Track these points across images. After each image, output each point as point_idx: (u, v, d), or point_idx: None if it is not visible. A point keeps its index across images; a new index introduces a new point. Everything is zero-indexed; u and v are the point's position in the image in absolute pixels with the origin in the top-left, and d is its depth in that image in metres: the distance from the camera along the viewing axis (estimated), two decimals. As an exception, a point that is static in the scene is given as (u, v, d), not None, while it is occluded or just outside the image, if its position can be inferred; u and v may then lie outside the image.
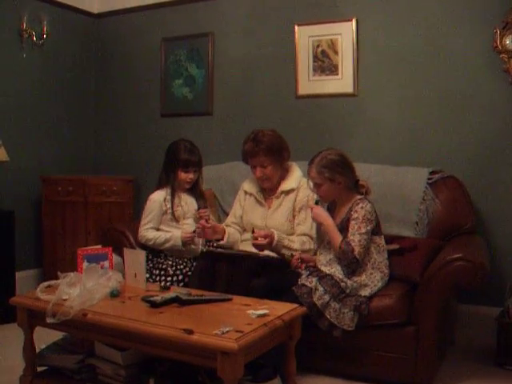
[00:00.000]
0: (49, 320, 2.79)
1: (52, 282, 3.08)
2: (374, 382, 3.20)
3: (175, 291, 2.98)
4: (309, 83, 4.63)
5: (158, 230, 3.82)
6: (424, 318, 3.09)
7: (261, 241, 3.48)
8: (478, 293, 3.54)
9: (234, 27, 4.98)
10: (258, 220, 3.76)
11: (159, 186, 3.90)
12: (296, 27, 4.62)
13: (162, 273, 3.64)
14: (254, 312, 2.65)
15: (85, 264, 3.16)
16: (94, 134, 5.78)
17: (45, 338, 3.19)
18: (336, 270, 3.19)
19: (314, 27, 4.57)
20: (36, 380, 3.03)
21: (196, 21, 5.15)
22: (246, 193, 3.90)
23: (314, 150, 3.38)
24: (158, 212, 3.82)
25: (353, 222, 3.20)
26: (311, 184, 3.39)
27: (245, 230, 3.84)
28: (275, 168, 3.70)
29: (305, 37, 4.60)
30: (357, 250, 3.14)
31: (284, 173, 3.78)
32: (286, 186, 3.74)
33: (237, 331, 2.41)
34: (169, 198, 3.83)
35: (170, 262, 3.70)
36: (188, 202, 3.89)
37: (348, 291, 3.12)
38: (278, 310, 2.74)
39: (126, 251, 3.32)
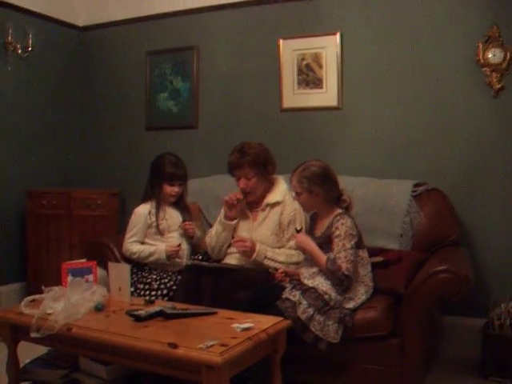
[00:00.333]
0: (33, 334, 2.77)
1: (36, 296, 3.07)
2: (359, 395, 3.20)
3: (160, 305, 2.98)
4: (293, 96, 4.65)
5: (142, 243, 3.82)
6: (409, 330, 3.09)
7: (240, 243, 3.57)
8: (463, 304, 3.54)
9: (218, 41, 5.00)
10: (243, 232, 3.76)
11: (144, 200, 3.90)
12: (281, 41, 4.64)
13: (147, 287, 3.62)
14: (238, 326, 2.64)
15: (69, 278, 3.16)
16: (78, 147, 5.75)
17: (29, 352, 3.17)
18: (319, 283, 3.18)
19: (298, 41, 4.59)
20: (20, 395, 3.01)
21: (181, 34, 5.17)
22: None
23: (299, 163, 3.39)
24: (142, 225, 3.82)
25: (336, 240, 3.19)
26: (293, 193, 3.42)
27: (230, 245, 3.83)
28: (259, 181, 3.71)
29: (289, 50, 4.63)
30: (344, 266, 3.12)
31: (269, 186, 3.79)
32: (270, 198, 3.75)
33: (221, 345, 2.40)
34: (154, 211, 3.83)
35: (155, 276, 3.68)
36: (173, 216, 3.88)
37: (332, 303, 3.11)
38: (263, 323, 2.73)
39: (111, 265, 3.31)
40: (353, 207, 3.35)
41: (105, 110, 5.67)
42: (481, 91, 4.00)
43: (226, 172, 3.84)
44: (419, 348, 3.13)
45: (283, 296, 3.20)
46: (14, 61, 5.05)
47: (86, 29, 5.71)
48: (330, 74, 4.48)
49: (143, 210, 3.84)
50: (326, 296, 3.12)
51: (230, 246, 3.80)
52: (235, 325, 2.66)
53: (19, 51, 5.03)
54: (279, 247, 3.67)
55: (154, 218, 3.82)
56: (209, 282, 3.45)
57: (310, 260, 3.32)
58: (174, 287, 3.61)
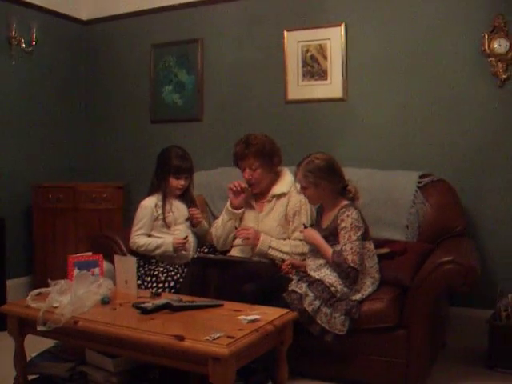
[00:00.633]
0: (39, 328, 2.78)
1: (43, 290, 3.07)
2: (365, 386, 3.21)
3: (166, 298, 2.98)
4: (298, 88, 4.64)
5: (149, 236, 3.82)
6: (415, 322, 3.09)
7: (243, 231, 3.59)
8: (469, 295, 3.55)
9: (223, 33, 4.99)
10: (250, 223, 3.75)
11: (150, 193, 3.90)
12: (285, 32, 4.64)
13: (154, 279, 3.62)
14: (245, 317, 2.65)
15: (75, 271, 3.16)
16: (83, 141, 5.76)
17: (36, 345, 3.18)
18: (326, 275, 3.18)
19: (302, 32, 4.58)
20: (27, 388, 3.02)
21: (185, 27, 5.16)
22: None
23: (304, 155, 3.38)
24: (149, 218, 3.82)
25: (342, 232, 3.19)
26: (298, 186, 3.41)
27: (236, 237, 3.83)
28: (264, 172, 3.70)
29: (294, 42, 4.61)
30: (350, 258, 3.11)
31: (275, 177, 3.79)
32: (276, 190, 3.75)
33: (228, 337, 2.41)
34: (160, 204, 3.83)
35: (162, 269, 3.68)
36: (179, 209, 3.88)
37: (338, 295, 3.11)
38: (269, 315, 2.74)
39: (117, 258, 3.32)
40: (359, 197, 3.34)
41: (109, 103, 5.67)
42: (486, 81, 3.99)
43: (232, 164, 3.85)
44: (425, 339, 3.12)
45: (289, 288, 3.20)
46: (19, 55, 5.05)
47: (89, 22, 5.70)
48: (335, 66, 4.47)
49: (149, 203, 3.84)
50: (333, 288, 3.12)
51: (235, 238, 3.80)
52: (241, 317, 2.66)
53: (23, 45, 5.03)
54: (285, 238, 3.67)
55: (160, 211, 3.81)
56: (215, 275, 3.46)
57: (317, 252, 3.32)
58: (181, 280, 3.61)
